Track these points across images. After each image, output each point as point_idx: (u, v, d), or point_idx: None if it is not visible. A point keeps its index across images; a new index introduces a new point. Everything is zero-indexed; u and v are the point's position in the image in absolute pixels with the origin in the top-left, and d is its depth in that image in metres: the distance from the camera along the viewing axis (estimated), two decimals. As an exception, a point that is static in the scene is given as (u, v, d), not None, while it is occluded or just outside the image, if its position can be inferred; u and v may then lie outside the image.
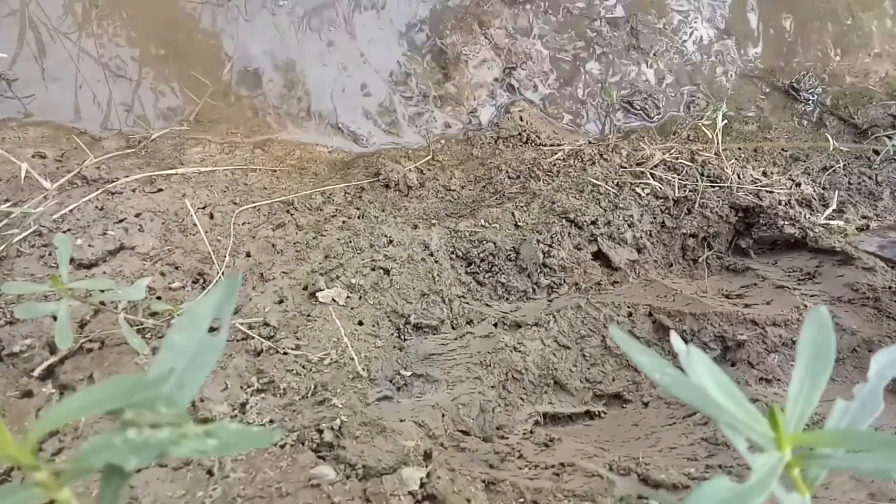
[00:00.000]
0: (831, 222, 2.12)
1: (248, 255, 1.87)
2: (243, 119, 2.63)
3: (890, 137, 2.60)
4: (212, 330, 0.54)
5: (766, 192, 2.29)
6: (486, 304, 1.91)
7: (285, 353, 1.47)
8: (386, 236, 1.97)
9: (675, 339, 0.89)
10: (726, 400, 0.78)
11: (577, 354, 1.73)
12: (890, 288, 1.80)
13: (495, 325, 1.77)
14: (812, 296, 1.84)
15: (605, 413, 1.56)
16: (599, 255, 2.09)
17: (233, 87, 2.74)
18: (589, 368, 1.69)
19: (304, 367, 1.43)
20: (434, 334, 1.72)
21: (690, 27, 3.22)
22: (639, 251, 2.10)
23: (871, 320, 1.70)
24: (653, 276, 2.03)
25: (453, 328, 1.76)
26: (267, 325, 1.57)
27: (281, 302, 1.69)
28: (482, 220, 2.12)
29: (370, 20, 2.93)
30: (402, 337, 1.68)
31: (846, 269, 1.91)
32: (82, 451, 0.46)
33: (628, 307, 1.83)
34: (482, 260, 2.01)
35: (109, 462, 0.44)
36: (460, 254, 2.01)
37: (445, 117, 2.74)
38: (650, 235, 2.17)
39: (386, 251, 1.91)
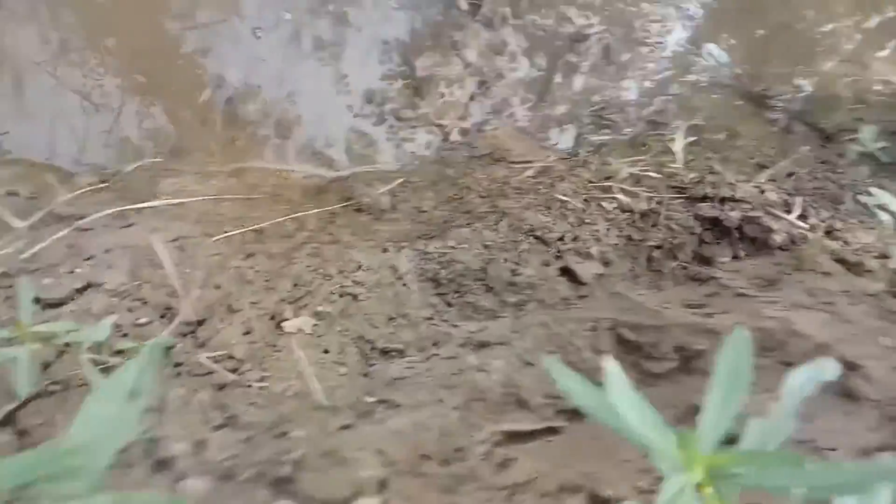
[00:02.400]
0: (793, 229, 2.16)
1: (217, 286, 1.91)
2: (219, 148, 2.68)
3: (853, 141, 2.65)
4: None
5: (732, 201, 2.32)
6: (454, 325, 1.91)
7: (249, 386, 1.50)
8: (355, 261, 2.01)
9: (607, 362, 0.93)
10: (641, 423, 0.81)
11: (541, 371, 1.75)
12: (846, 292, 1.82)
13: (461, 345, 1.80)
14: (771, 302, 1.84)
15: (565, 428, 1.58)
16: (567, 271, 2.12)
17: (209, 116, 2.79)
18: (552, 384, 1.71)
19: (267, 399, 1.46)
20: (400, 358, 1.75)
21: (661, 40, 3.27)
22: (605, 265, 2.14)
23: (825, 325, 1.70)
24: (619, 290, 2.05)
25: (420, 351, 1.79)
26: (232, 357, 1.60)
27: (248, 333, 1.73)
28: (452, 241, 2.16)
29: (344, 45, 2.99)
30: (369, 362, 1.71)
31: (805, 275, 1.93)
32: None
33: (592, 322, 1.85)
34: (451, 281, 2.04)
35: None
36: (429, 275, 2.04)
37: (419, 138, 2.79)
38: (617, 249, 2.20)
39: (355, 276, 1.95)
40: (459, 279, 2.04)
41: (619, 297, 2.05)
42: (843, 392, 1.49)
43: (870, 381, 1.51)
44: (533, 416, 1.64)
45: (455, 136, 2.80)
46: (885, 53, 3.34)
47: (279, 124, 2.82)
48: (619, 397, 0.81)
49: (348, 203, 2.41)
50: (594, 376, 1.71)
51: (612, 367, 0.94)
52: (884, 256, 2.07)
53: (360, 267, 1.97)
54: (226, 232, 2.16)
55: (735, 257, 2.23)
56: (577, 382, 0.90)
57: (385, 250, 2.11)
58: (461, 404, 1.63)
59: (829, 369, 0.83)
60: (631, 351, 1.69)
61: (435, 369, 1.73)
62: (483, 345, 1.82)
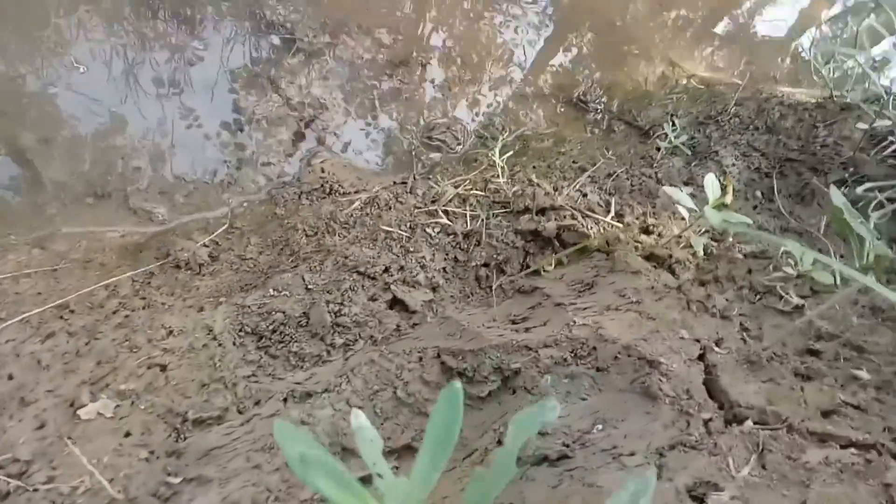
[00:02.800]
0: (609, 229, 2.22)
1: (10, 377, 1.73)
2: (18, 216, 2.46)
3: (666, 135, 2.79)
4: None
5: (552, 209, 2.37)
6: (279, 378, 1.84)
7: (35, 490, 1.36)
8: (166, 327, 1.88)
9: (354, 415, 0.89)
10: (332, 486, 0.77)
11: (370, 413, 1.71)
12: (652, 288, 1.88)
13: (284, 400, 1.73)
14: (585, 308, 1.87)
15: (396, 469, 1.54)
16: (396, 302, 2.09)
17: (4, 180, 2.56)
18: (382, 424, 1.68)
19: (54, 502, 1.33)
20: (218, 425, 1.66)
21: (485, 56, 3.34)
22: (434, 290, 2.12)
23: (632, 325, 1.73)
24: (449, 313, 2.04)
25: (240, 413, 1.70)
26: (17, 460, 1.45)
27: (41, 427, 1.58)
28: (272, 289, 2.07)
29: (160, 92, 2.84)
30: (181, 437, 1.61)
31: (617, 276, 1.98)
32: None
33: (419, 352, 1.83)
34: (273, 332, 1.96)
35: None
36: (249, 329, 1.95)
37: (246, 179, 2.68)
38: (444, 272, 2.19)
39: (165, 344, 1.83)
40: (281, 329, 1.97)
41: (448, 321, 2.04)
42: (644, 392, 1.53)
43: (668, 378, 1.56)
44: (361, 462, 1.59)
45: (283, 173, 2.71)
46: (685, 47, 3.57)
47: (90, 181, 2.63)
48: (304, 461, 0.77)
49: (166, 260, 2.27)
50: (424, 408, 1.60)
51: (356, 421, 0.91)
52: (689, 247, 2.18)
53: (170, 333, 1.85)
54: (23, 313, 1.98)
55: (560, 264, 2.28)
56: (301, 445, 0.85)
57: (201, 309, 1.99)
58: (282, 465, 1.55)
59: (549, 411, 0.82)
60: (455, 377, 1.67)
61: (255, 431, 1.65)
62: (308, 395, 1.76)
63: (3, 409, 1.61)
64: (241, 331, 1.85)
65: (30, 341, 1.83)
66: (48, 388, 1.68)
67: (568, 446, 1.37)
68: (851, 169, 2.45)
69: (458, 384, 0.82)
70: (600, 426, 1.38)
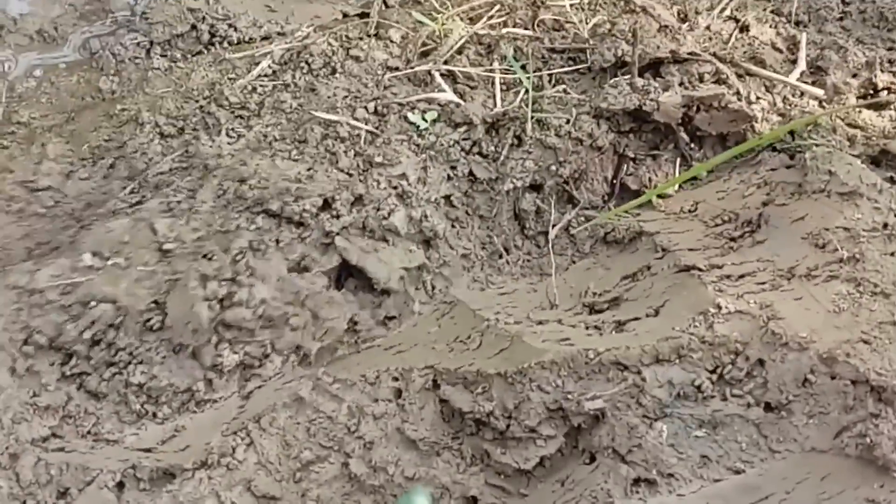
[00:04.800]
0: (797, 102, 1.59)
1: None
2: None
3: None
4: None
5: (676, 61, 1.59)
6: (107, 440, 1.33)
7: None
8: None
9: None
10: None
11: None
12: (885, 228, 1.38)
13: (119, 485, 1.21)
14: (741, 277, 1.39)
15: None
16: (349, 273, 1.44)
17: None
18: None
19: None
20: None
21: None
22: (427, 244, 1.46)
23: (840, 310, 1.29)
24: (457, 292, 1.46)
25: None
26: None
27: None
28: (90, 254, 1.38)
29: None
30: None
31: (808, 202, 1.43)
32: None
33: (394, 378, 1.30)
34: (93, 343, 1.31)
35: None
36: (43, 340, 1.32)
37: (31, 20, 1.77)
38: (448, 205, 1.50)
39: None
40: (110, 337, 1.33)
41: (455, 310, 1.45)
42: (864, 454, 1.10)
43: None
44: None
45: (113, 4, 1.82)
46: None
47: None
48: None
49: None
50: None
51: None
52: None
53: None
54: None
55: (691, 182, 1.58)
56: None
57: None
58: None
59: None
60: (463, 432, 1.26)
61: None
62: (167, 475, 1.25)
63: None
64: (25, 343, 1.27)
65: None
66: None
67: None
68: None
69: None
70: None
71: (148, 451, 1.22)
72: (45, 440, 1.20)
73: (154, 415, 1.27)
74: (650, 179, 1.49)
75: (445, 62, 1.59)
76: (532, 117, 1.52)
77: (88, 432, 1.24)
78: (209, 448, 1.16)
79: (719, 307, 1.20)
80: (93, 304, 1.27)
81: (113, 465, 1.16)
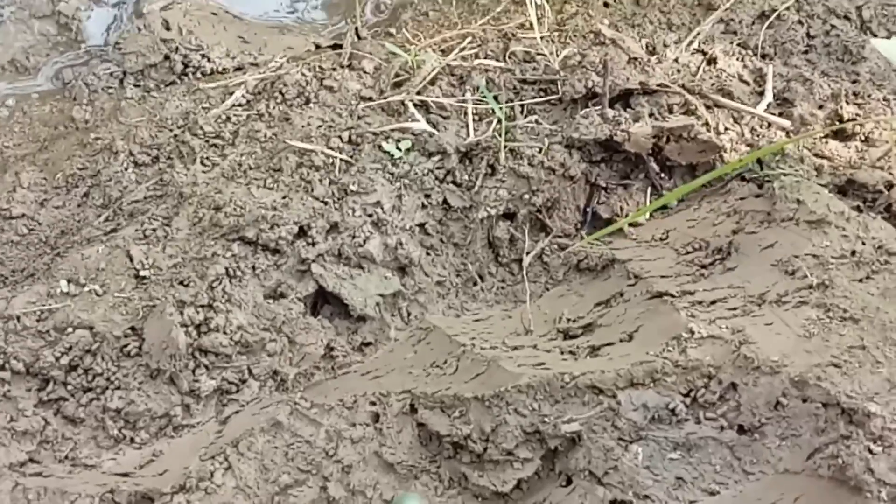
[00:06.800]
0: (765, 132, 1.65)
1: None
2: None
3: None
4: None
5: (646, 92, 1.71)
6: (85, 465, 1.37)
7: None
8: None
9: None
10: None
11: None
12: (852, 255, 1.47)
13: None
14: (713, 302, 1.50)
15: None
16: (325, 300, 1.48)
17: None
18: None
19: None
20: None
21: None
22: (402, 271, 1.52)
23: (811, 334, 1.38)
24: (433, 319, 1.51)
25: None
26: None
27: None
28: (65, 281, 1.46)
29: None
30: None
31: (777, 230, 1.52)
32: None
33: (371, 403, 1.35)
34: (70, 369, 1.34)
35: None
36: (21, 366, 1.32)
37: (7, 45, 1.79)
38: (423, 233, 1.57)
39: None
40: (87, 363, 1.35)
41: (431, 335, 1.48)
42: (836, 476, 1.15)
43: (885, 446, 1.18)
44: None
45: (87, 34, 1.87)
46: None
47: None
48: None
49: None
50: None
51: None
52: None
53: None
54: None
55: (662, 211, 1.71)
56: None
57: None
58: None
59: None
60: (441, 455, 1.30)
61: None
62: (145, 499, 1.27)
63: None
64: (2, 368, 1.31)
65: None
66: None
67: None
68: None
69: None
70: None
71: (126, 475, 1.24)
72: (22, 465, 1.23)
73: (132, 440, 1.29)
74: (622, 208, 1.52)
75: (418, 92, 1.62)
76: (505, 147, 1.54)
77: (66, 457, 1.27)
78: (187, 472, 1.17)
79: (692, 332, 1.23)
80: (69, 330, 1.29)
81: (91, 489, 1.18)
